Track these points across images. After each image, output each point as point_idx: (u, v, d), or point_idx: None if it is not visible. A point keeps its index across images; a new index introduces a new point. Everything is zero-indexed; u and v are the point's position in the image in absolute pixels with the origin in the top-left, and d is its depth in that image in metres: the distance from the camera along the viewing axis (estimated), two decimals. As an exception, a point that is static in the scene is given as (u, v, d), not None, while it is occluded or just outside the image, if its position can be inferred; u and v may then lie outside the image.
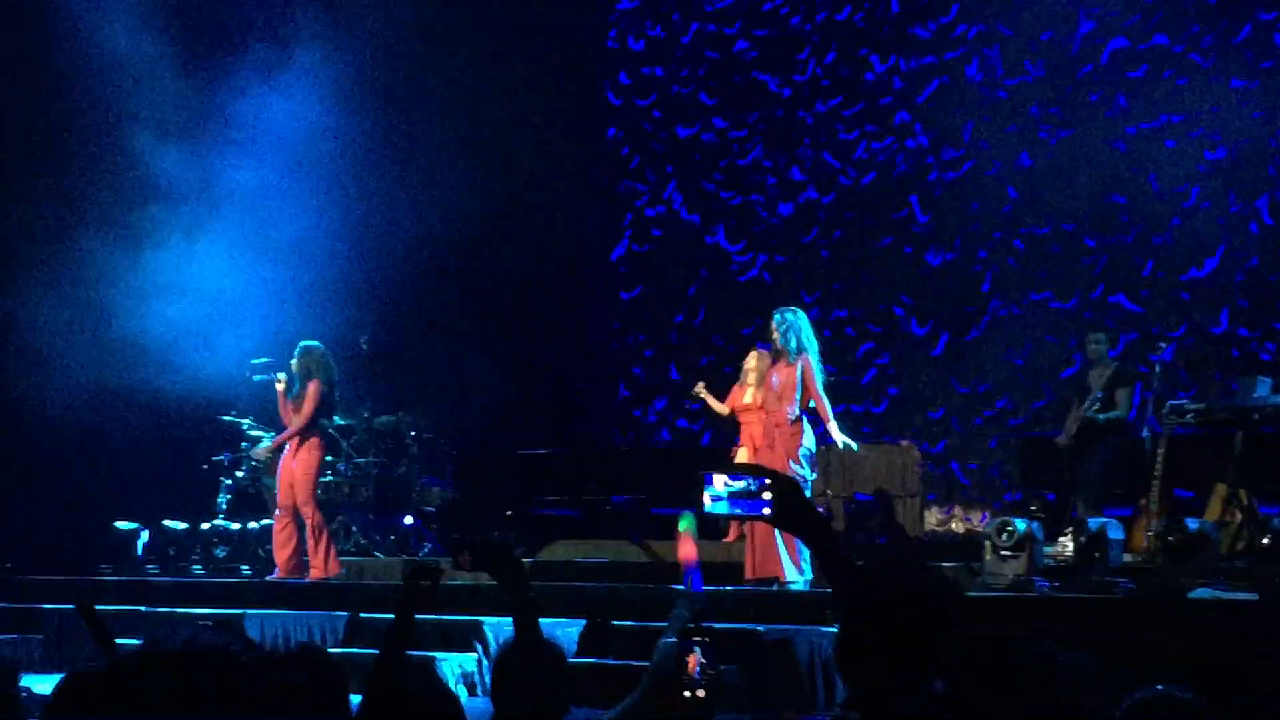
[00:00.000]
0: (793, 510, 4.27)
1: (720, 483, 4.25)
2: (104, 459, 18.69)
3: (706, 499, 4.28)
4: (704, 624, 5.64)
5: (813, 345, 13.53)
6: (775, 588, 13.07)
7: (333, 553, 15.55)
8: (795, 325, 13.45)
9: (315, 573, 15.36)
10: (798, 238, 20.48)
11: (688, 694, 5.25)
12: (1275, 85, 17.18)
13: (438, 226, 19.72)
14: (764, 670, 11.37)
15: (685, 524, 7.76)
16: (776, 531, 12.83)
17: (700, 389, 15.58)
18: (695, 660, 5.28)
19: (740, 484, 4.20)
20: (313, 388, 15.42)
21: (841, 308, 19.90)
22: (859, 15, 20.21)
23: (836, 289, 19.99)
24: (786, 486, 4.28)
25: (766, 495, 4.19)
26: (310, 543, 15.38)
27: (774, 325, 13.53)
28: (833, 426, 13.54)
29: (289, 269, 18.84)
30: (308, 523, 15.35)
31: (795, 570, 13.06)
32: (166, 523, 17.65)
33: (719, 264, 21.14)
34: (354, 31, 19.71)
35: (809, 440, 13.46)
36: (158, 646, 2.23)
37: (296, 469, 15.40)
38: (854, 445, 13.88)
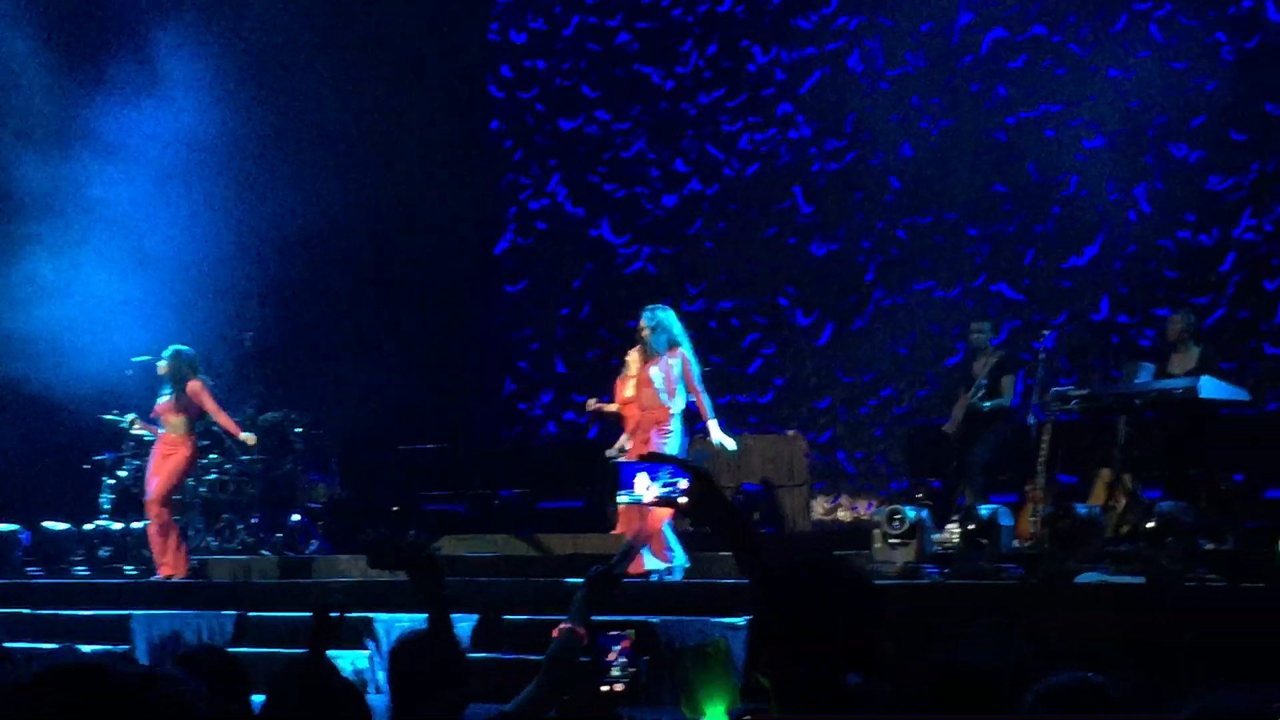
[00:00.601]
0: (708, 502, 4.27)
1: (643, 480, 4.23)
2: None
3: (643, 488, 4.24)
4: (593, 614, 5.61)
5: (685, 339, 13.48)
6: (656, 579, 13.01)
7: (184, 551, 15.47)
8: (665, 322, 13.39)
9: (164, 570, 15.27)
10: (682, 229, 20.51)
11: (606, 688, 5.21)
12: (1150, 74, 17.37)
13: (320, 222, 19.57)
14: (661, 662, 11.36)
15: None
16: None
17: (593, 405, 15.54)
18: (617, 655, 5.25)
19: (658, 477, 4.18)
20: (198, 385, 15.36)
21: (727, 299, 19.95)
22: (740, 7, 20.27)
23: (722, 280, 20.04)
24: (702, 478, 4.28)
25: (683, 485, 4.18)
26: (158, 541, 15.29)
27: (643, 323, 13.45)
28: (714, 425, 13.48)
29: (171, 268, 18.63)
30: (153, 521, 15.27)
31: (661, 559, 13.02)
32: (47, 524, 17.41)
33: (604, 257, 21.14)
34: (228, 26, 19.53)
35: (684, 441, 13.34)
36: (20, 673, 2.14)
37: (163, 466, 15.32)
38: (731, 446, 13.82)
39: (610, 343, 19.58)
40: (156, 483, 15.31)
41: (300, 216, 19.43)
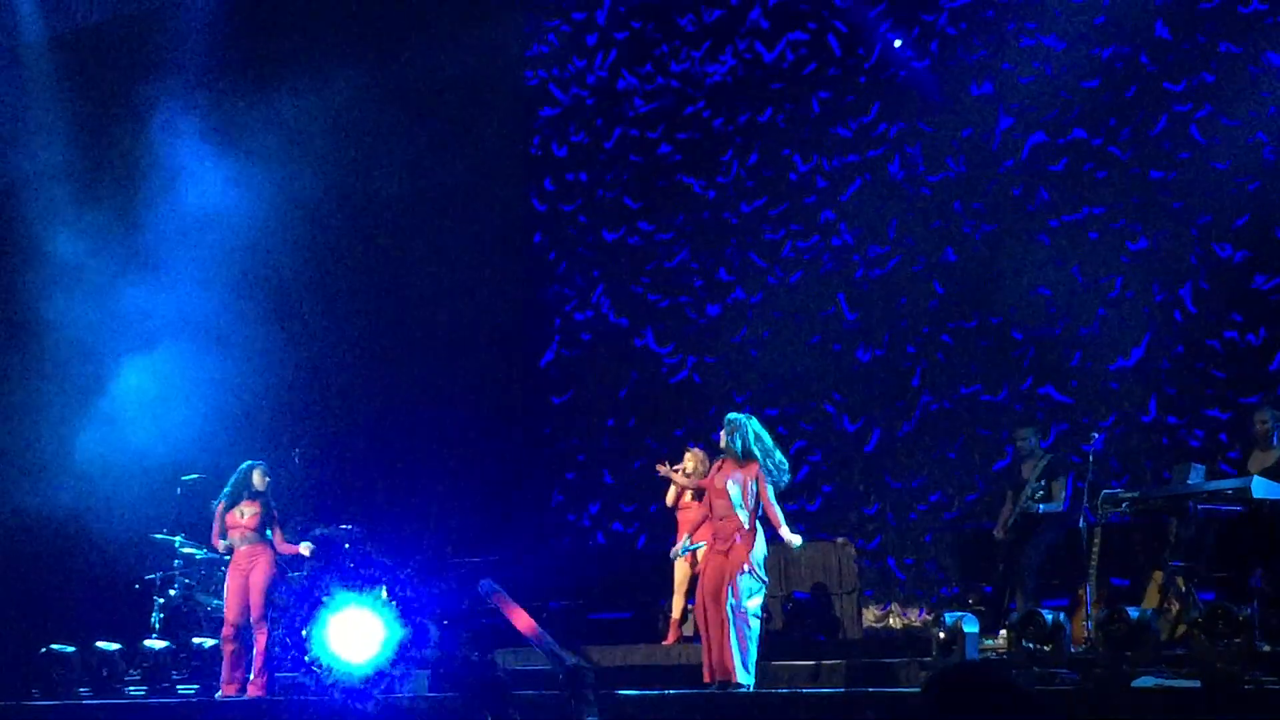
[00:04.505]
0: None
1: None
2: (35, 582, 18.46)
3: None
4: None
5: (760, 451, 13.28)
6: (723, 689, 12.86)
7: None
8: (744, 431, 13.18)
9: (253, 690, 15.08)
10: (727, 338, 20.52)
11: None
12: (1193, 175, 17.37)
13: (367, 335, 19.68)
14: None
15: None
16: (731, 629, 12.69)
17: (664, 471, 15.69)
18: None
19: None
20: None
21: (773, 406, 19.89)
22: (780, 116, 20.37)
23: (767, 388, 20.01)
24: None
25: None
26: (259, 660, 15.09)
27: (727, 431, 13.23)
28: (785, 530, 13.28)
29: (217, 387, 18.75)
30: (260, 638, 15.04)
31: (745, 672, 12.90)
32: (100, 644, 17.39)
33: (649, 366, 21.15)
34: (277, 144, 19.76)
35: (764, 546, 13.16)
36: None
37: (254, 577, 15.10)
38: (798, 541, 13.61)
39: (657, 452, 19.52)
40: (253, 597, 14.97)
41: (348, 331, 19.54)
